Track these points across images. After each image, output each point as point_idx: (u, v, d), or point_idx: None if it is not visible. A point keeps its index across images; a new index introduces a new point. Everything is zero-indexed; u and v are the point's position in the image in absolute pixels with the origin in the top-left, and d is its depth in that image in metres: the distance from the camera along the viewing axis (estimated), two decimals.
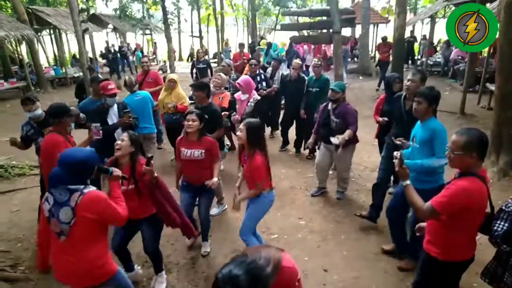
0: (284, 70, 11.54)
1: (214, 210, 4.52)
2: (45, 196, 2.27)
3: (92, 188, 2.25)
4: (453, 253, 2.25)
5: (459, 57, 11.15)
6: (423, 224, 2.48)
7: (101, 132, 3.79)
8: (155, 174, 2.84)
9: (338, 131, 4.39)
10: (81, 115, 4.19)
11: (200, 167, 3.45)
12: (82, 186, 2.21)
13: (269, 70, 7.21)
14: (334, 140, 4.46)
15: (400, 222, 3.50)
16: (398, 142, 3.38)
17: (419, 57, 15.66)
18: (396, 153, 2.61)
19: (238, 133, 3.12)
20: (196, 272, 3.52)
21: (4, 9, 16.12)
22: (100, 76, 5.11)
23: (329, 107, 4.54)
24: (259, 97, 5.24)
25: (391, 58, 10.82)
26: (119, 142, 2.90)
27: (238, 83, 5.23)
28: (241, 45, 11.22)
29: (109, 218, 2.29)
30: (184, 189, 3.64)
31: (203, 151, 3.37)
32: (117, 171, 2.55)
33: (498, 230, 2.15)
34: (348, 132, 4.28)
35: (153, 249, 3.17)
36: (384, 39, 12.10)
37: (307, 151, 6.36)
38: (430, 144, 3.00)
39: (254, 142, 3.05)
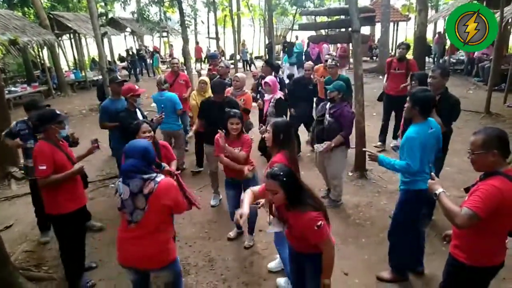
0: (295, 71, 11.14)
1: (212, 202, 4.81)
2: (117, 187, 2.38)
3: (162, 176, 2.41)
4: (481, 258, 2.15)
5: (484, 55, 10.84)
6: (449, 231, 2.38)
7: (98, 145, 3.59)
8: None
9: (329, 131, 4.27)
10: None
11: (238, 163, 3.60)
12: (154, 175, 2.35)
13: (286, 72, 6.81)
14: (318, 147, 4.37)
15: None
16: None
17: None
18: None
19: (265, 134, 3.05)
20: (214, 274, 3.51)
21: (27, 15, 16.59)
22: (119, 77, 5.17)
23: (327, 105, 4.38)
24: (278, 96, 5.09)
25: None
26: (148, 134, 3.10)
27: (266, 82, 5.15)
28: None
29: (179, 204, 2.47)
30: (229, 186, 3.81)
31: (240, 148, 3.58)
32: (167, 167, 2.87)
33: None
34: (337, 138, 4.24)
35: None
36: (404, 48, 6.05)
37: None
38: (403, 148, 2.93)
39: (281, 143, 2.92)
